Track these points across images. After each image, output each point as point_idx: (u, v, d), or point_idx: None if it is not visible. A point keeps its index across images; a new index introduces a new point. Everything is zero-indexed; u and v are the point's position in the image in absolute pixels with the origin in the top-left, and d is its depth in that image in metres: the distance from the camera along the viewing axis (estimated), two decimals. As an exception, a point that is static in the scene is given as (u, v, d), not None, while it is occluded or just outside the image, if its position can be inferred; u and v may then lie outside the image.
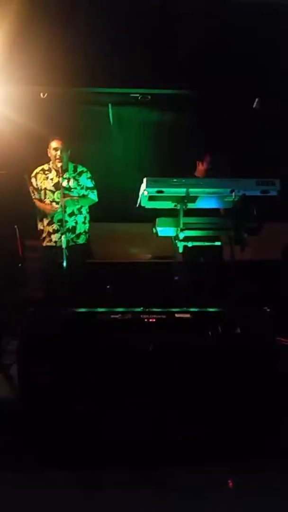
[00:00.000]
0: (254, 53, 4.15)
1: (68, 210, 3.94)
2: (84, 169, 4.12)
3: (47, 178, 4.07)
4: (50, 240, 4.02)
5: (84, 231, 4.11)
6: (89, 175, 4.12)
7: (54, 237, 3.99)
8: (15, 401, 2.70)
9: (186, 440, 2.44)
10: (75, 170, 4.10)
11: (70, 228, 3.98)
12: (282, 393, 2.71)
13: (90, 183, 4.11)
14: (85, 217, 4.11)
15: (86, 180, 4.09)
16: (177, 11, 3.94)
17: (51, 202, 4.02)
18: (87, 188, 4.09)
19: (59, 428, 2.46)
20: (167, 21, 3.96)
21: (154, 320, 2.75)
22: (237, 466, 2.32)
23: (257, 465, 2.32)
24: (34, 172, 4.09)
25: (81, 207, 4.07)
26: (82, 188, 4.07)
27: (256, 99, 3.43)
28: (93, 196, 4.11)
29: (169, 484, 2.19)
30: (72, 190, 4.03)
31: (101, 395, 2.55)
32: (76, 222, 4.04)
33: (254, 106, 3.46)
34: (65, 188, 3.92)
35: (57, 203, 3.93)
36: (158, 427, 2.48)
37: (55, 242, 3.96)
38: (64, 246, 3.69)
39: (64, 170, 3.97)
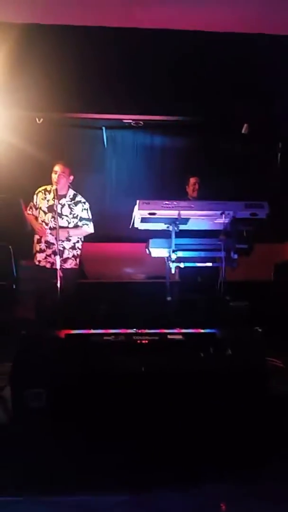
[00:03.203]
0: (243, 79, 4.28)
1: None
2: (82, 200, 4.11)
3: (44, 198, 4.11)
4: (40, 260, 4.07)
5: (73, 256, 4.10)
6: (86, 206, 4.10)
7: (39, 256, 4.05)
8: (9, 424, 2.69)
9: (179, 461, 2.43)
10: (73, 198, 4.10)
11: (57, 252, 3.91)
12: (273, 414, 2.71)
13: (85, 215, 4.10)
14: (73, 243, 4.09)
15: (81, 211, 4.08)
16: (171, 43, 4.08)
17: (42, 221, 4.06)
18: (82, 218, 4.08)
19: (53, 451, 2.45)
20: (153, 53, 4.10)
21: (146, 341, 2.77)
22: (231, 488, 2.31)
23: (251, 484, 2.32)
24: (38, 190, 4.14)
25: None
26: (74, 217, 4.06)
27: (245, 125, 3.53)
28: (88, 228, 4.10)
29: (162, 507, 2.18)
30: (63, 216, 4.04)
31: (94, 417, 2.55)
32: (63, 248, 4.03)
33: (243, 131, 3.56)
34: (57, 213, 3.95)
35: (47, 224, 3.99)
36: (150, 449, 2.48)
37: (39, 261, 4.05)
38: (48, 266, 3.78)
39: (62, 195, 4.03)
